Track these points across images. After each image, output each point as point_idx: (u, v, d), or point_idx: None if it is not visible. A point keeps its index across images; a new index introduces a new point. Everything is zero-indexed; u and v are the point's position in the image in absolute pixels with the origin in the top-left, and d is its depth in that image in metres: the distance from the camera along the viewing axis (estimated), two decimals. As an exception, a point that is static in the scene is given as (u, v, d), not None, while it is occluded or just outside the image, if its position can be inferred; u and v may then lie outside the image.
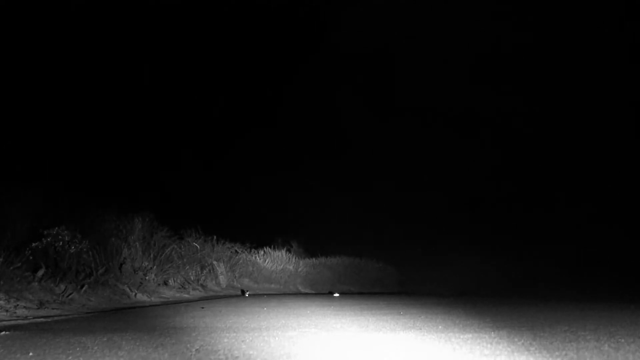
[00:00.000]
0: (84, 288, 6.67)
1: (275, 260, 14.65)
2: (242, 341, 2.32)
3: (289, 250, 15.71)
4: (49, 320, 4.49)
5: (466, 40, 22.98)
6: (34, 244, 6.62)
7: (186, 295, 8.95)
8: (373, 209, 22.40)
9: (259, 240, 14.82)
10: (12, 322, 4.30)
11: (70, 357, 1.78)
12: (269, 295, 10.44)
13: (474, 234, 20.82)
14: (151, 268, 8.69)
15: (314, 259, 16.72)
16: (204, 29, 19.40)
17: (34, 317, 4.77)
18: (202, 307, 5.18)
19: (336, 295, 10.43)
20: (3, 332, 3.40)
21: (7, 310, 5.06)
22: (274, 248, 15.32)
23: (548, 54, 23.40)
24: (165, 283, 9.08)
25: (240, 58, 20.98)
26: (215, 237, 12.06)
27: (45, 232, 6.81)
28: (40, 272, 6.34)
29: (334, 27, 21.26)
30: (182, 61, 18.83)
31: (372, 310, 5.12)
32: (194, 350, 2.02)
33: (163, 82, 17.41)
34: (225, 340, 2.35)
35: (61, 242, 6.85)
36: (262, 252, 14.61)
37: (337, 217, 20.31)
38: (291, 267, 14.95)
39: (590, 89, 22.53)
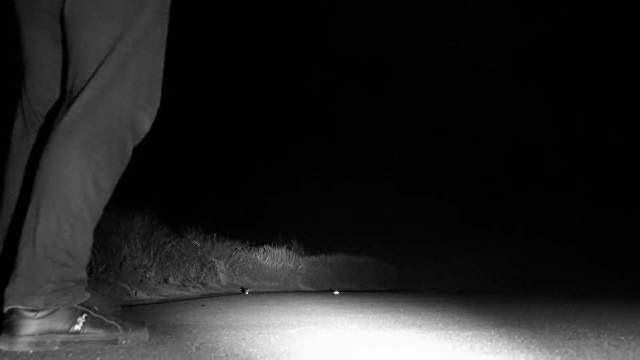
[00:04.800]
0: (84, 286, 6.66)
1: (275, 258, 14.69)
2: (242, 339, 2.32)
3: (289, 248, 15.74)
4: (49, 318, 4.48)
5: (466, 38, 22.93)
6: (34, 242, 6.60)
7: (186, 293, 8.95)
8: (374, 207, 22.40)
9: (259, 238, 14.88)
10: (12, 320, 4.29)
11: (70, 355, 1.78)
12: (269, 293, 10.44)
13: (474, 232, 20.85)
14: (151, 266, 8.70)
15: (314, 257, 16.76)
16: (203, 26, 19.37)
17: (34, 315, 4.76)
18: (202, 305, 5.19)
19: (336, 292, 10.44)
20: (3, 330, 3.40)
21: (7, 308, 5.04)
22: (274, 246, 15.36)
23: (548, 51, 23.36)
24: (166, 281, 9.09)
25: (236, 52, 20.95)
26: (215, 235, 12.09)
27: (45, 230, 6.78)
28: (40, 270, 6.32)
29: (333, 25, 21.22)
30: (180, 59, 18.80)
31: (372, 307, 5.11)
32: (194, 347, 2.02)
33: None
34: (226, 337, 2.35)
35: (61, 240, 6.82)
36: (262, 250, 14.65)
37: (338, 215, 20.32)
38: (291, 265, 14.99)
39: (590, 87, 22.49)
